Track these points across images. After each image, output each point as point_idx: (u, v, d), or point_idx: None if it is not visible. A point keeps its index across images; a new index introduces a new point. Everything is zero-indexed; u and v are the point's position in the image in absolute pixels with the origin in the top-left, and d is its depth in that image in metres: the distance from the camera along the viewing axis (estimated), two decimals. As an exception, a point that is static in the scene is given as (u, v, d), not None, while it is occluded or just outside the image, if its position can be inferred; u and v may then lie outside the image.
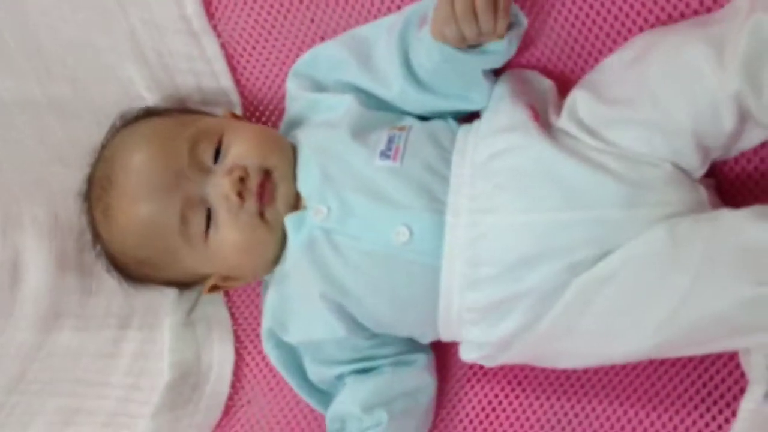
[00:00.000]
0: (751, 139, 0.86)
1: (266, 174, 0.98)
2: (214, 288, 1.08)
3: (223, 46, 1.13)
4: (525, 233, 0.87)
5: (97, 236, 1.07)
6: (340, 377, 1.04)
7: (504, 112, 0.94)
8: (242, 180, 0.96)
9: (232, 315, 1.22)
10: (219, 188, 0.97)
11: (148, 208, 0.98)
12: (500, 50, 0.93)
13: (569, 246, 0.85)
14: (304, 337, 1.02)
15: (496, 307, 0.91)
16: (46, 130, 1.14)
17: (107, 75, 1.14)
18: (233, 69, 1.14)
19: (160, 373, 1.16)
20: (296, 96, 1.07)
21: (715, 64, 0.80)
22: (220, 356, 1.20)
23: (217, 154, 1.00)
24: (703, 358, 0.96)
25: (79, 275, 1.14)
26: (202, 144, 1.00)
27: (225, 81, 1.14)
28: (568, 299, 0.85)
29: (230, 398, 1.20)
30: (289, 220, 0.98)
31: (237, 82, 1.15)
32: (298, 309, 1.01)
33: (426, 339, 1.03)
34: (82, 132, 1.14)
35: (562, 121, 0.90)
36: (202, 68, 1.13)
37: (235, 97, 1.15)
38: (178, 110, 1.12)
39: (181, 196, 0.97)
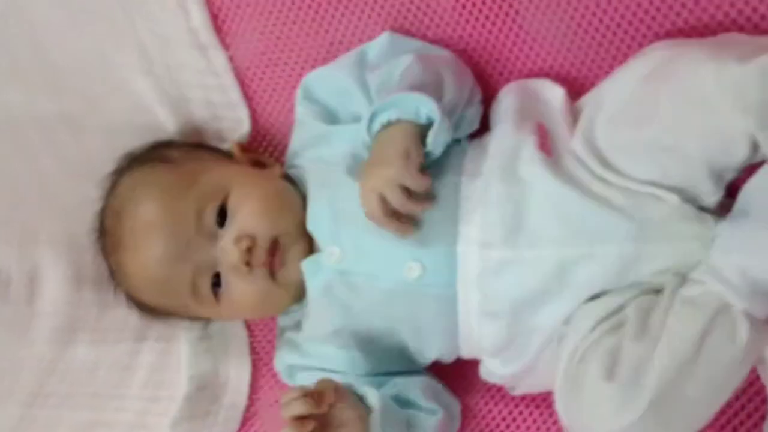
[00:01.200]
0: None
1: (274, 242, 0.97)
2: None
3: (231, 59, 1.12)
4: (532, 269, 0.86)
5: (114, 278, 1.08)
6: None
7: (510, 137, 0.92)
8: (249, 250, 0.95)
9: (248, 327, 1.22)
10: (227, 256, 0.97)
11: (158, 275, 0.99)
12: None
13: (577, 283, 0.85)
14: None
15: (510, 342, 0.91)
16: (58, 145, 1.14)
17: (118, 89, 1.13)
18: (241, 82, 1.13)
19: (177, 385, 1.17)
20: (306, 123, 1.05)
21: (728, 103, 0.77)
22: (238, 369, 1.21)
23: (223, 213, 0.98)
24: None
25: (95, 289, 1.14)
26: (208, 208, 0.98)
27: (233, 94, 1.13)
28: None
29: (247, 409, 1.20)
30: (306, 266, 0.97)
31: (245, 95, 1.14)
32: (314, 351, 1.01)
33: (447, 359, 1.01)
34: (94, 146, 1.14)
35: (576, 144, 0.88)
36: (210, 82, 1.12)
37: (243, 111, 1.14)
38: (183, 147, 1.09)
39: (190, 266, 0.98)
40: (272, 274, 0.97)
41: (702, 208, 0.85)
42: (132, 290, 1.05)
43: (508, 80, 1.02)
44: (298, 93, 1.05)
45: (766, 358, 0.83)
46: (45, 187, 1.14)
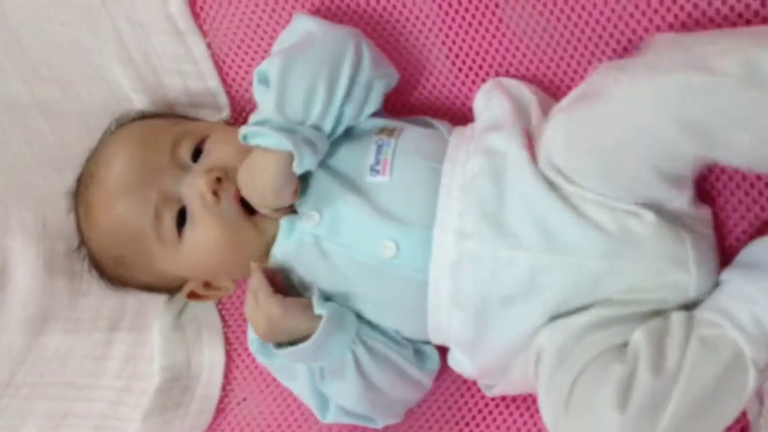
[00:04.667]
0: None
1: None
2: (194, 295, 1.07)
3: (209, 45, 1.11)
4: (504, 269, 0.87)
5: (80, 234, 1.06)
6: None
7: (500, 137, 0.92)
8: (219, 180, 0.95)
9: (222, 317, 1.22)
10: (195, 186, 0.96)
11: (123, 202, 0.98)
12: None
13: (545, 289, 0.86)
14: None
15: (476, 338, 0.91)
16: (33, 133, 1.13)
17: (94, 76, 1.12)
18: (220, 69, 1.12)
19: (150, 376, 1.16)
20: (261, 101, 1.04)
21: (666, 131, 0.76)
22: (211, 359, 1.20)
23: (198, 153, 0.99)
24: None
25: (68, 278, 1.13)
26: (185, 142, 0.99)
27: (212, 81, 1.12)
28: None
29: (221, 400, 1.20)
30: (284, 222, 0.96)
31: (224, 82, 1.13)
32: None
33: (416, 337, 1.01)
34: (69, 134, 1.13)
35: (542, 165, 0.88)
36: (188, 69, 1.11)
37: (222, 98, 1.14)
38: (172, 114, 1.12)
39: (156, 192, 0.97)
40: (251, 213, 0.96)
41: (678, 220, 0.86)
42: (94, 240, 1.03)
43: (487, 74, 1.02)
44: (254, 82, 1.03)
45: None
46: (17, 174, 1.13)
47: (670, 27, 0.89)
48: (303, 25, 0.99)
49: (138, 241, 0.99)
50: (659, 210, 0.85)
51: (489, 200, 0.88)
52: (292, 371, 1.02)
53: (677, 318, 0.84)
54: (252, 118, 0.95)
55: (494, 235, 0.87)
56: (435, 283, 0.91)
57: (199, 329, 1.20)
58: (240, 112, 1.15)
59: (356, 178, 0.95)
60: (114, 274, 1.06)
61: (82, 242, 1.06)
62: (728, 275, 0.86)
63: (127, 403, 1.16)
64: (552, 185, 0.86)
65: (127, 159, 0.99)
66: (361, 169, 0.95)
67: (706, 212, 0.90)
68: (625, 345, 0.84)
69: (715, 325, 0.82)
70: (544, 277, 0.85)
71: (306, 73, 0.92)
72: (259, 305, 0.93)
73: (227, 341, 1.21)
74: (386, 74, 0.99)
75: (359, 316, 0.96)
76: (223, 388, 1.19)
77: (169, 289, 1.08)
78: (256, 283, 0.95)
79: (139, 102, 1.12)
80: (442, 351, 1.01)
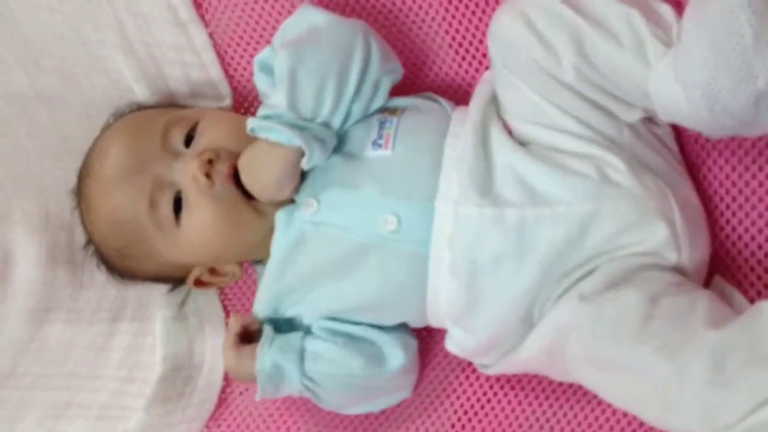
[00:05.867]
0: None
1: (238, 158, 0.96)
2: (200, 283, 1.07)
3: (211, 35, 1.11)
4: (493, 228, 0.87)
5: (85, 230, 1.07)
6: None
7: (486, 109, 0.93)
8: (211, 162, 0.95)
9: (224, 307, 1.21)
10: (187, 171, 0.96)
11: (119, 193, 0.98)
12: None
13: (535, 244, 0.86)
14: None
15: (470, 307, 0.90)
16: (34, 123, 1.13)
17: (96, 66, 1.12)
18: (222, 59, 1.12)
19: (152, 366, 1.16)
20: (264, 92, 1.04)
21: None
22: (213, 349, 1.19)
23: (190, 139, 0.99)
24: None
25: (70, 268, 1.13)
26: (175, 128, 0.99)
27: (214, 72, 1.12)
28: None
29: (223, 390, 1.19)
30: (280, 215, 0.96)
31: (225, 72, 1.13)
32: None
33: (416, 324, 1.02)
34: (71, 125, 1.13)
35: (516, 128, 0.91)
36: (190, 59, 1.11)
37: (224, 88, 1.14)
38: (169, 105, 1.12)
39: (149, 180, 0.97)
40: (248, 197, 0.96)
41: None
42: (96, 233, 1.04)
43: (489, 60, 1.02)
44: (254, 70, 1.04)
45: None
46: (19, 165, 1.13)
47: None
48: (309, 17, 0.99)
49: (137, 231, 0.99)
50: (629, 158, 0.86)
51: (476, 167, 0.89)
52: None
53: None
54: (261, 111, 0.95)
55: (480, 196, 0.87)
56: (436, 256, 0.91)
57: (202, 319, 1.19)
58: (242, 102, 1.15)
59: (357, 153, 0.95)
60: (121, 267, 1.07)
61: (89, 239, 1.07)
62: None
63: (130, 392, 1.16)
64: (531, 149, 0.88)
65: (118, 149, 0.99)
66: (363, 145, 0.95)
67: (667, 130, 0.91)
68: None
69: None
70: (532, 232, 0.85)
71: (316, 71, 0.92)
72: (222, 353, 1.03)
73: (230, 330, 1.20)
74: (393, 69, 1.00)
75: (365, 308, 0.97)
76: (226, 379, 1.19)
77: (177, 277, 1.09)
78: (229, 331, 1.01)
79: (140, 92, 1.12)
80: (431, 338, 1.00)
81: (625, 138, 0.87)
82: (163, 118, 1.01)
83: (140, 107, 1.10)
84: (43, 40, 1.10)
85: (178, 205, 0.97)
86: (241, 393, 1.19)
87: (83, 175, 1.04)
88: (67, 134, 1.13)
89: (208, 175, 0.94)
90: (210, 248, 1.00)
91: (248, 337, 1.01)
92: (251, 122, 0.93)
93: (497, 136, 0.90)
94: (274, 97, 0.94)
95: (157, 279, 1.09)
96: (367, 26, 0.99)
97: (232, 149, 0.97)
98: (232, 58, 1.12)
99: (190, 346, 1.18)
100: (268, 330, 0.99)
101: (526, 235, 0.86)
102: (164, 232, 0.98)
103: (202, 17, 1.10)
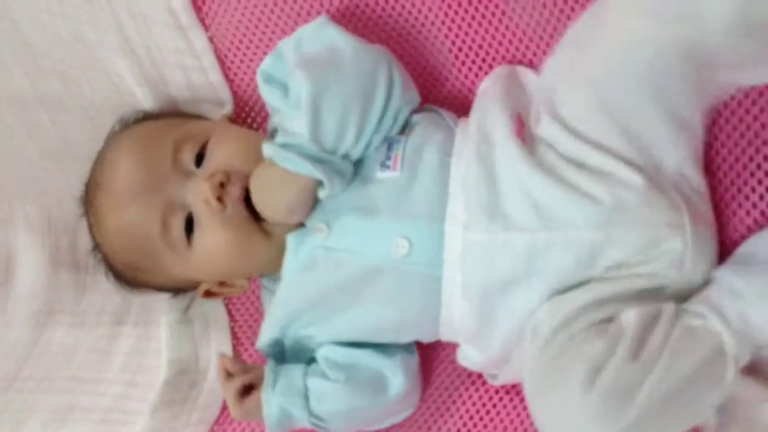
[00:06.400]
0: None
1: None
2: (209, 294, 1.08)
3: (211, 39, 1.10)
4: (503, 252, 0.86)
5: (93, 239, 1.07)
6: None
7: (488, 123, 0.92)
8: (222, 185, 0.94)
9: (229, 312, 1.21)
10: (199, 193, 0.95)
11: (130, 211, 0.98)
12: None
13: (544, 269, 0.85)
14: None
15: (480, 327, 0.91)
16: (35, 126, 1.12)
17: (97, 69, 1.11)
18: (222, 63, 1.11)
19: (157, 371, 1.16)
20: (274, 107, 1.03)
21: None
22: (218, 353, 1.19)
23: (201, 157, 0.98)
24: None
25: (73, 272, 1.13)
26: (186, 147, 0.99)
27: (214, 76, 1.11)
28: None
29: (227, 394, 1.19)
30: (291, 238, 0.96)
31: (226, 76, 1.12)
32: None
33: (427, 341, 1.02)
34: (72, 128, 1.13)
35: (544, 123, 0.88)
36: (190, 63, 1.10)
37: (224, 93, 1.13)
38: (174, 113, 1.11)
39: (162, 200, 0.97)
40: (257, 219, 0.96)
41: (673, 188, 0.85)
42: (107, 246, 1.04)
43: (490, 66, 1.02)
44: (258, 81, 1.03)
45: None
46: (21, 168, 1.13)
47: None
48: (330, 37, 0.97)
49: (149, 249, 1.00)
50: (655, 174, 0.84)
51: (482, 187, 0.88)
52: None
53: (669, 308, 0.82)
54: (280, 138, 0.93)
55: (489, 220, 0.86)
56: (449, 277, 0.90)
57: (207, 324, 1.19)
58: (243, 107, 1.14)
59: (366, 176, 0.94)
60: (131, 278, 1.07)
61: (97, 247, 1.07)
62: (721, 271, 0.85)
63: (133, 396, 1.16)
64: (542, 165, 0.86)
65: (129, 165, 0.99)
66: (371, 167, 0.94)
67: (701, 182, 0.89)
68: (611, 319, 0.82)
69: (701, 316, 0.81)
70: (542, 256, 0.85)
71: (339, 102, 0.91)
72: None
73: (234, 336, 1.20)
74: (412, 99, 0.99)
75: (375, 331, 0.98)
76: (230, 382, 1.19)
77: (186, 289, 1.10)
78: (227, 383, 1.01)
79: (142, 95, 1.11)
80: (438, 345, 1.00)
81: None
82: (172, 134, 1.00)
83: (146, 115, 1.10)
84: (43, 42, 1.10)
85: (189, 224, 0.97)
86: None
87: (92, 186, 1.03)
88: (68, 137, 1.13)
89: (219, 199, 0.94)
90: (221, 268, 1.01)
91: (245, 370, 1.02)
92: (269, 149, 0.92)
93: (504, 147, 0.88)
94: (295, 124, 0.92)
95: (165, 289, 1.10)
96: (389, 54, 0.97)
97: (243, 169, 0.96)
98: (232, 62, 1.11)
99: (195, 350, 1.18)
100: (268, 371, 0.99)
101: (536, 260, 0.85)
102: (176, 252, 0.99)
103: (202, 21, 1.09)
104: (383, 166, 0.94)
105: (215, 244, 0.97)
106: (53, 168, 1.13)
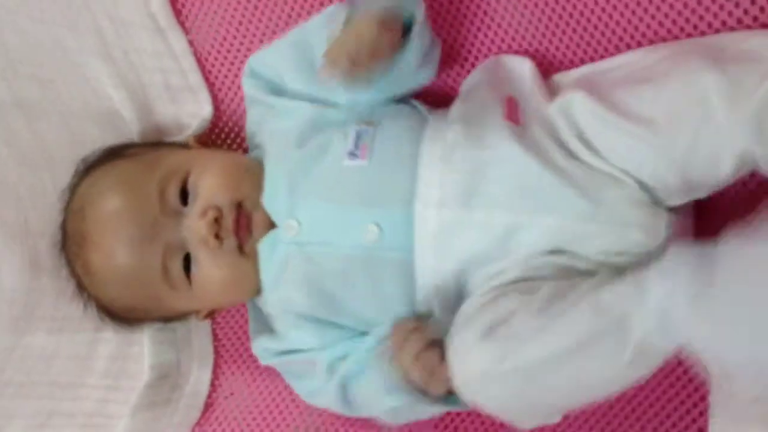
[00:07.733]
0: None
1: (239, 207, 0.97)
2: (210, 314, 1.10)
3: (191, 42, 1.10)
4: (481, 232, 0.87)
5: (82, 288, 1.06)
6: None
7: (478, 106, 0.93)
8: (217, 221, 0.95)
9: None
10: (195, 232, 0.96)
11: (128, 262, 0.98)
12: (409, 64, 0.93)
13: (518, 249, 0.86)
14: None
15: (457, 305, 0.90)
16: (11, 132, 1.11)
17: (75, 74, 1.11)
18: (202, 66, 1.12)
19: (138, 375, 1.16)
20: (254, 98, 1.04)
21: (727, 109, 0.77)
22: (200, 357, 1.20)
23: (185, 192, 0.98)
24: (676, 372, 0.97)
25: (54, 277, 1.12)
26: (170, 187, 0.98)
27: (193, 78, 1.12)
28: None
29: (208, 395, 1.20)
30: (262, 246, 0.97)
31: (206, 79, 1.13)
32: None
33: None
34: (49, 134, 1.11)
35: (552, 109, 0.88)
36: (169, 65, 1.11)
37: (203, 95, 1.13)
38: (140, 146, 1.09)
39: (160, 247, 0.97)
40: (240, 247, 0.96)
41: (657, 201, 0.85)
42: (102, 296, 1.03)
43: (476, 58, 1.02)
44: (244, 72, 1.03)
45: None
46: (-3, 174, 1.12)
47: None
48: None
49: (150, 292, 1.00)
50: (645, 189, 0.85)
51: (469, 167, 0.88)
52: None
53: (600, 275, 0.83)
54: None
55: (471, 199, 0.87)
56: (421, 260, 0.90)
57: (189, 328, 1.20)
58: (223, 110, 1.15)
59: (333, 165, 0.94)
60: (127, 317, 1.07)
61: (86, 294, 1.06)
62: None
63: (115, 400, 1.15)
64: (535, 147, 0.86)
65: (118, 216, 0.98)
66: (338, 156, 0.94)
67: (688, 221, 0.90)
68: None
69: (623, 295, 0.79)
70: (517, 237, 0.86)
71: None
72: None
73: (215, 337, 1.21)
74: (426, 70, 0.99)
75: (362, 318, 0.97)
76: (211, 383, 1.20)
77: (184, 317, 1.11)
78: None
79: (118, 99, 1.11)
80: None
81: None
82: (153, 175, 0.99)
83: (110, 152, 1.07)
84: (22, 47, 1.09)
85: (185, 262, 0.98)
86: (225, 397, 1.19)
87: (76, 238, 1.01)
88: (44, 143, 1.11)
89: (217, 235, 0.95)
90: (220, 297, 1.03)
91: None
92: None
93: (496, 130, 0.88)
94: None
95: (165, 321, 1.12)
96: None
97: (232, 198, 0.96)
98: (213, 65, 1.12)
99: (177, 356, 1.18)
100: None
101: (510, 240, 0.86)
102: (177, 290, 0.99)
103: (181, 24, 1.09)
104: (351, 155, 0.93)
105: (214, 279, 0.97)
106: (29, 174, 1.11)
